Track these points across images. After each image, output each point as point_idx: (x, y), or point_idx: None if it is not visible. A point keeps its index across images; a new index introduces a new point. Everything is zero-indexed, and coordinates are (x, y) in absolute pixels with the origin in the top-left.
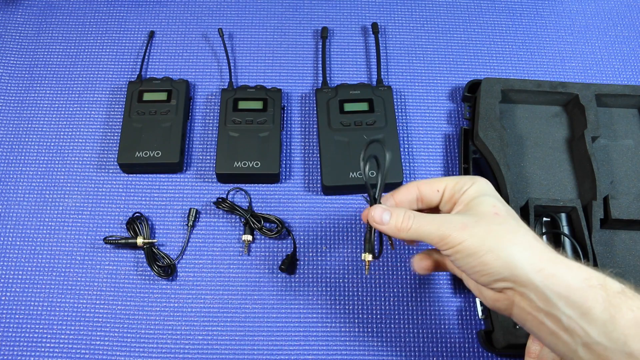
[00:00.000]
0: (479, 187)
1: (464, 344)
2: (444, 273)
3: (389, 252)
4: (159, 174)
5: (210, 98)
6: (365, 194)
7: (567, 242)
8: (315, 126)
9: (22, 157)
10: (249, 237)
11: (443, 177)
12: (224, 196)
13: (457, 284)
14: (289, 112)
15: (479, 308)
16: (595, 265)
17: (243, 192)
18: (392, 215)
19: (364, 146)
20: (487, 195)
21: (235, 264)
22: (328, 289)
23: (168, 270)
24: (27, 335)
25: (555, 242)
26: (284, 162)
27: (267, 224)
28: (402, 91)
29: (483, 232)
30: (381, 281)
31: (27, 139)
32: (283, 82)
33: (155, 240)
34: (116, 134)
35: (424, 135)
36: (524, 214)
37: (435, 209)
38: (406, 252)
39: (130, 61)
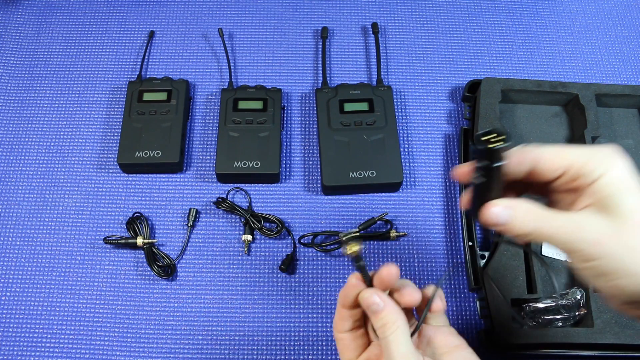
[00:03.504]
0: (617, 175)
1: None
2: (443, 273)
3: (384, 250)
4: (159, 174)
5: (210, 98)
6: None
7: None
8: (315, 126)
9: (22, 157)
10: (249, 237)
11: (566, 149)
12: (224, 196)
13: (457, 284)
14: (289, 112)
15: (479, 308)
16: None
17: (243, 192)
18: (514, 212)
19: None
20: (629, 190)
21: (235, 264)
22: (328, 289)
23: (168, 270)
24: (27, 335)
25: None
26: (284, 162)
27: (267, 224)
28: (402, 91)
29: (622, 251)
30: None
31: (27, 139)
32: (283, 82)
33: (155, 240)
34: (116, 134)
35: (424, 135)
36: None
37: (544, 185)
38: (404, 251)
39: (130, 61)
